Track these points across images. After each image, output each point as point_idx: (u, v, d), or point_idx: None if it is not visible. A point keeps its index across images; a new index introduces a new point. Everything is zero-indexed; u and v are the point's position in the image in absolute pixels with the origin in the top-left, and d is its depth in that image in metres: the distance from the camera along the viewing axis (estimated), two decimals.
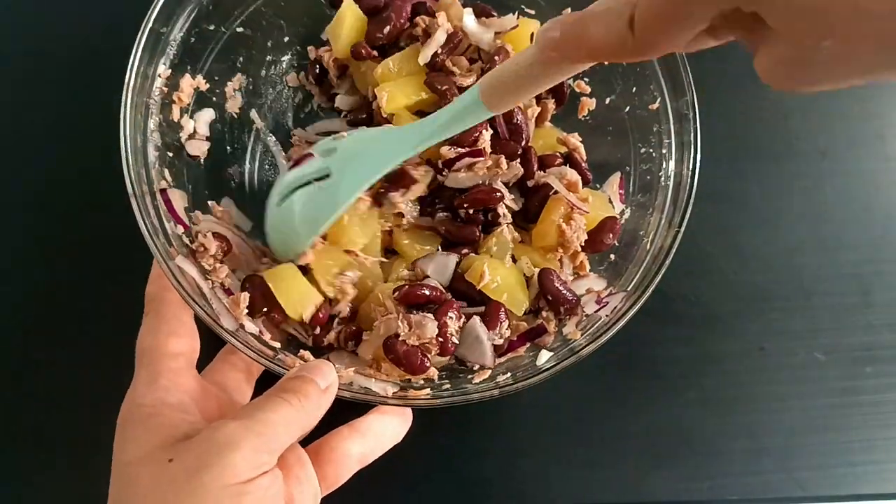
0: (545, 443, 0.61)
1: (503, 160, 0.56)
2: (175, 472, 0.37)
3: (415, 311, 0.52)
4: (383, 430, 0.48)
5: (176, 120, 0.55)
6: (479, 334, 0.52)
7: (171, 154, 0.54)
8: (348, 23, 0.58)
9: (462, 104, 0.47)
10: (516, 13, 0.60)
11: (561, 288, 0.54)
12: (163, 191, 0.52)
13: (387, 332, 0.51)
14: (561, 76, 0.41)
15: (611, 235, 0.56)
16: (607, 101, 0.62)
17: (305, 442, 0.46)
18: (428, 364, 0.51)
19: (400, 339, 0.50)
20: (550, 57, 0.38)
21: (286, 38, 0.63)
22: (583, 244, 0.56)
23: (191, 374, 0.45)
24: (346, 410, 0.47)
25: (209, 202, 0.57)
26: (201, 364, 0.49)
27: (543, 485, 0.60)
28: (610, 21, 0.33)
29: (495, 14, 0.60)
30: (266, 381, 0.52)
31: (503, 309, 0.54)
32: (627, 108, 0.59)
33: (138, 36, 0.51)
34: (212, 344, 0.50)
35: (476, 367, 0.52)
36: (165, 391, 0.42)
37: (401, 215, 0.57)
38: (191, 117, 0.57)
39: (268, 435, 0.39)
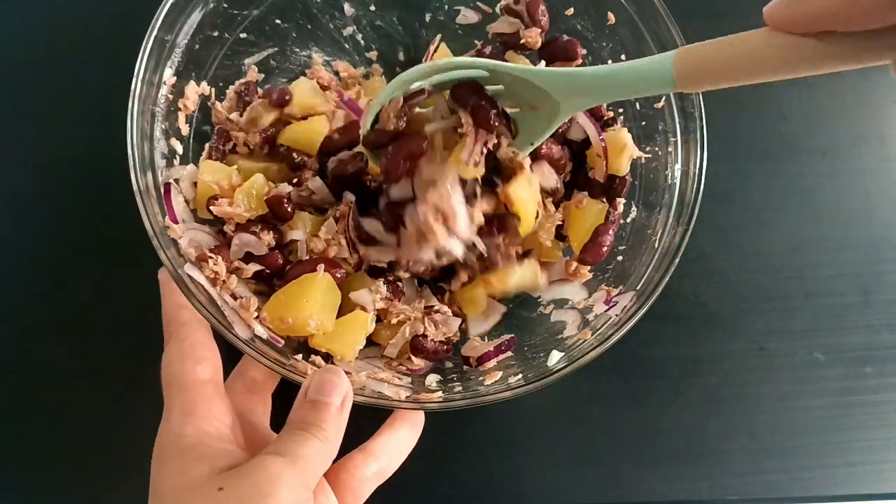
0: (544, 443, 0.61)
1: None
2: (228, 500, 0.38)
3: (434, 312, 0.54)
4: (396, 446, 0.49)
5: (181, 128, 0.56)
6: None
7: (176, 161, 0.55)
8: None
9: (647, 70, 0.41)
10: None
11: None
12: (166, 184, 0.52)
13: (413, 332, 0.54)
14: (788, 70, 0.35)
15: (607, 238, 0.56)
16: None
17: None
18: (449, 350, 0.54)
19: (429, 338, 0.54)
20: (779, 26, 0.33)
21: (289, 43, 0.63)
22: (552, 241, 0.57)
23: (222, 400, 0.45)
24: (360, 412, 0.47)
25: None
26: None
27: (542, 485, 0.61)
28: None
29: None
30: (280, 394, 0.53)
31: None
32: (632, 106, 0.59)
33: (143, 43, 0.51)
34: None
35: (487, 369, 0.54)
36: (204, 420, 0.43)
37: None
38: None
39: (307, 471, 0.41)
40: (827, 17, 0.33)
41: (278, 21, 0.61)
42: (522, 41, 0.59)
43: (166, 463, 0.42)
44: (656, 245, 0.54)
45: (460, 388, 0.52)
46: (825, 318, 0.65)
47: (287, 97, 0.58)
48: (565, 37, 0.59)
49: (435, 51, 0.61)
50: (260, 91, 0.60)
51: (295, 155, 0.56)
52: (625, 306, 0.52)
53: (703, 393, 0.63)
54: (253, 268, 0.53)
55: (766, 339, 0.65)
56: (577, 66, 0.60)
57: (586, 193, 0.59)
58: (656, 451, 0.62)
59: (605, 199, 0.58)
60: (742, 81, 0.39)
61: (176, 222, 0.51)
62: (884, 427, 0.63)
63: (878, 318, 0.66)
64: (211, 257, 0.50)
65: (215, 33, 0.57)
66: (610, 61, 0.59)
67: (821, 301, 0.66)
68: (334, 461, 0.46)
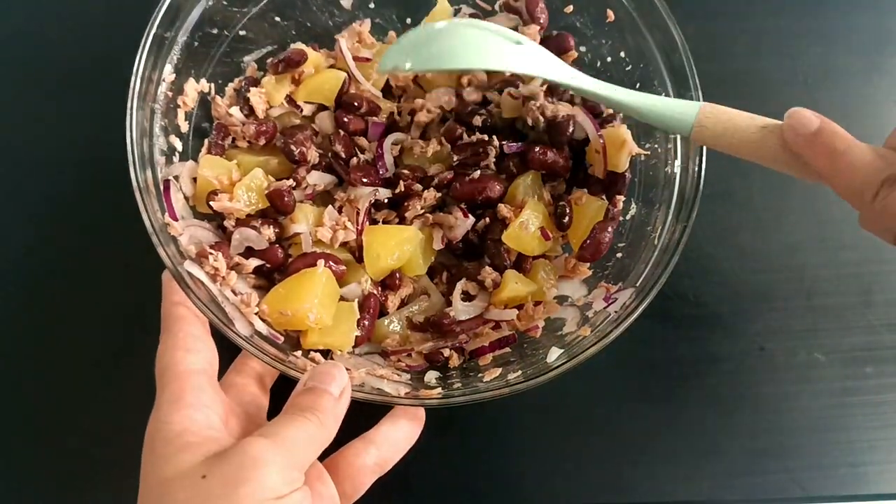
0: (544, 443, 0.61)
1: None
2: (211, 487, 0.38)
3: None
4: (397, 438, 0.49)
5: (180, 125, 0.56)
6: None
7: (176, 158, 0.55)
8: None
9: (673, 111, 0.49)
10: None
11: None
12: (165, 181, 0.52)
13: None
14: (779, 167, 0.45)
15: (606, 235, 0.56)
16: None
17: (322, 454, 0.46)
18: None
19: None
20: (793, 144, 0.44)
21: (288, 41, 0.63)
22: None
23: (213, 389, 0.45)
24: (359, 409, 0.47)
25: None
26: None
27: (542, 485, 0.60)
28: (869, 173, 0.41)
29: None
30: (279, 389, 0.53)
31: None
32: None
33: (142, 40, 0.51)
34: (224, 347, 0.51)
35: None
36: (192, 408, 0.43)
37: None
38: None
39: (296, 452, 0.40)
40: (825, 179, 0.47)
41: (277, 18, 0.61)
42: None
43: (153, 452, 0.41)
44: (656, 242, 0.54)
45: (459, 385, 0.52)
46: (825, 319, 0.65)
47: (304, 57, 0.57)
48: (555, 32, 0.60)
49: None
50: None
51: (293, 147, 0.56)
52: (624, 303, 0.52)
53: (703, 393, 0.63)
54: (253, 262, 0.53)
55: (766, 339, 0.64)
56: (573, 59, 0.60)
57: (585, 190, 0.59)
58: (656, 451, 0.61)
59: (604, 196, 0.58)
60: (746, 157, 0.49)
61: (175, 219, 0.51)
62: (884, 427, 0.63)
63: (878, 319, 0.65)
64: (211, 254, 0.50)
65: (214, 30, 0.57)
66: (609, 58, 0.59)
67: (821, 301, 0.66)
68: (334, 450, 0.46)
